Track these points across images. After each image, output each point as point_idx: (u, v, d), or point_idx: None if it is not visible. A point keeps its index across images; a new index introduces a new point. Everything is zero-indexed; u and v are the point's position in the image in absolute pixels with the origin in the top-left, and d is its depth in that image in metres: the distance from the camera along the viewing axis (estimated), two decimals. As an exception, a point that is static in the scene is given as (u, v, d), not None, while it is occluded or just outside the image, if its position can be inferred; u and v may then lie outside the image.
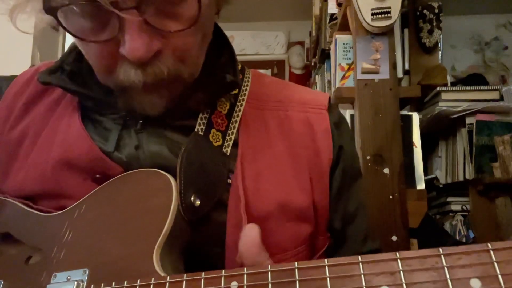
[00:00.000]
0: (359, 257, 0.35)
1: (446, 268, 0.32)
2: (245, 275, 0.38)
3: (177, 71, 0.51)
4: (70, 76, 0.58)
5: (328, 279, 0.35)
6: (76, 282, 0.45)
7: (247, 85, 0.64)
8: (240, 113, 0.60)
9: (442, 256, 0.33)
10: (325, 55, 2.17)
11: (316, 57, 2.74)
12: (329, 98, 0.65)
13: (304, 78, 3.58)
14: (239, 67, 0.64)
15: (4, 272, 0.52)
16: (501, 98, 1.76)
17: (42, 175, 0.56)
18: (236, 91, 0.61)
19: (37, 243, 0.53)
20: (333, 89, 1.68)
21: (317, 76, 2.65)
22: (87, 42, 0.49)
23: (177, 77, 0.51)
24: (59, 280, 0.47)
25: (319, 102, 0.63)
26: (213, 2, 0.54)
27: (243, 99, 0.61)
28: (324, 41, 2.26)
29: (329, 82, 2.06)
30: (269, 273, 0.37)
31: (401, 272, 0.33)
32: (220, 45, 0.63)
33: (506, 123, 1.72)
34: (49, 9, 0.47)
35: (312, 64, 3.07)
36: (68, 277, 0.46)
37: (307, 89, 0.70)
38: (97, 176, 0.54)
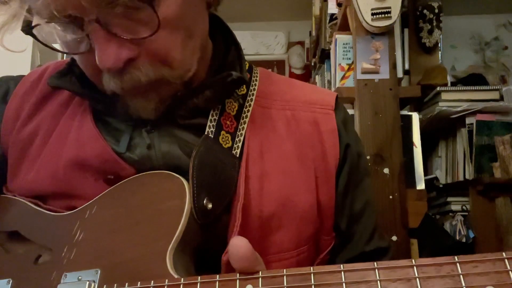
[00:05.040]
0: (375, 263, 0.35)
1: (461, 276, 0.33)
2: (260, 279, 0.38)
3: (158, 75, 0.50)
4: (79, 78, 0.57)
5: (344, 284, 0.35)
6: (87, 282, 0.45)
7: (255, 84, 0.63)
8: (249, 113, 0.60)
9: (458, 264, 0.33)
10: (325, 55, 2.17)
11: (316, 57, 2.73)
12: (336, 97, 0.65)
13: (304, 78, 3.58)
14: (247, 66, 0.63)
15: (13, 271, 0.52)
16: (501, 98, 1.77)
17: (53, 174, 0.56)
18: (244, 91, 0.61)
19: (47, 242, 0.53)
20: (333, 89, 1.68)
21: (317, 76, 2.65)
22: (69, 54, 0.50)
23: (160, 81, 0.51)
24: (69, 280, 0.46)
25: (326, 102, 0.63)
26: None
27: (251, 99, 0.61)
28: (324, 41, 2.26)
29: (329, 82, 2.06)
30: (285, 277, 0.37)
31: (417, 279, 0.33)
32: (228, 44, 0.62)
33: (506, 123, 1.72)
34: (25, 30, 0.48)
35: (312, 64, 3.07)
36: (79, 277, 0.46)
37: (314, 88, 0.69)
38: (109, 177, 0.54)
